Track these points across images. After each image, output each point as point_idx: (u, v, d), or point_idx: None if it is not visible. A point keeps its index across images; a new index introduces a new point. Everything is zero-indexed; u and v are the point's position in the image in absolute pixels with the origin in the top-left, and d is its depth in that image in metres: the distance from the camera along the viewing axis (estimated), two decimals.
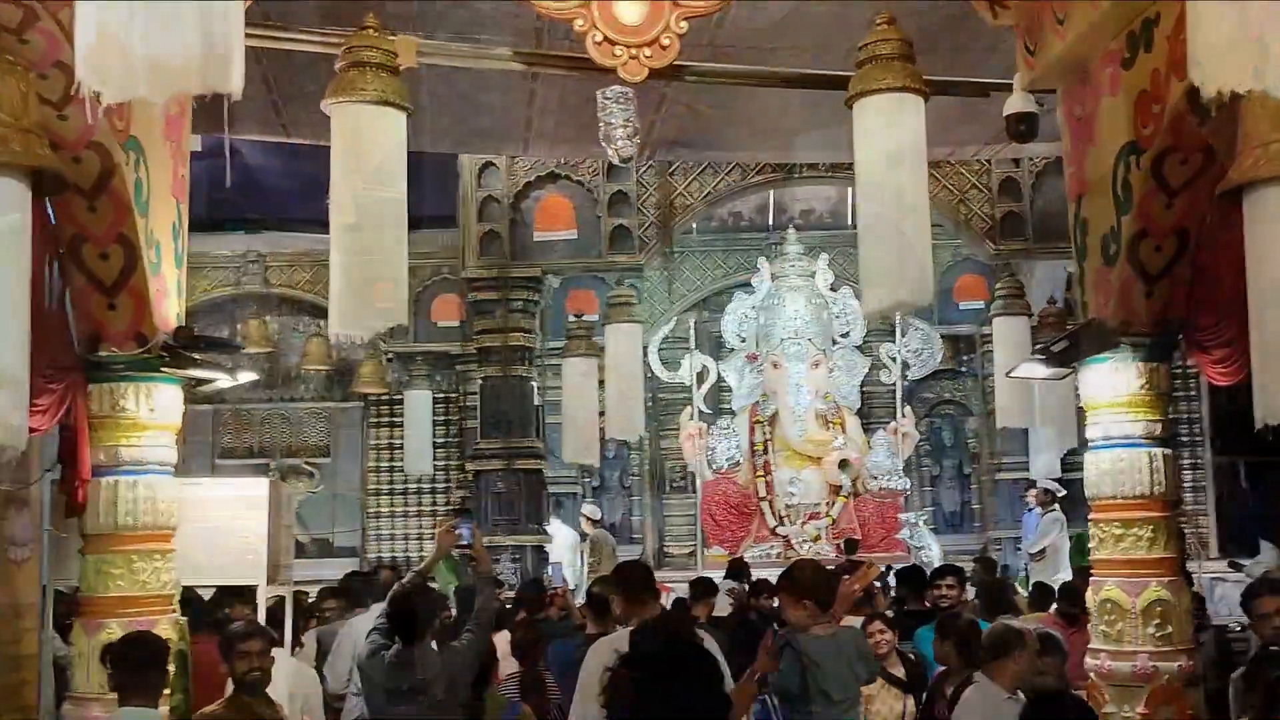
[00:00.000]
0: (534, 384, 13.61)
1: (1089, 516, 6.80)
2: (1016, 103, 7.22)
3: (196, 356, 5.96)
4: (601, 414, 13.74)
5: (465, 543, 5.89)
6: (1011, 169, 13.23)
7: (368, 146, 6.24)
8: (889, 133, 6.76)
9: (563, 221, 13.33)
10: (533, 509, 13.09)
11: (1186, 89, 5.16)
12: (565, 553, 14.17)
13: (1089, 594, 6.73)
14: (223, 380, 6.26)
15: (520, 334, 13.19)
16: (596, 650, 5.64)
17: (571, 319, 13.69)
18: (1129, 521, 6.53)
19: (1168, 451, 6.59)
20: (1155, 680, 6.23)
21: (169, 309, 6.10)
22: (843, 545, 14.10)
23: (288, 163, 16.70)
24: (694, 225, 15.76)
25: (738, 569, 11.49)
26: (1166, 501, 6.56)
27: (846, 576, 6.49)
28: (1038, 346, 7.53)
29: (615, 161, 8.81)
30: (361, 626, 7.81)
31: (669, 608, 8.28)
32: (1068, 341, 6.66)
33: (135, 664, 4.83)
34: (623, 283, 13.70)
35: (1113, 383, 6.59)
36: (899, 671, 7.19)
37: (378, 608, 8.24)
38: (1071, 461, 16.09)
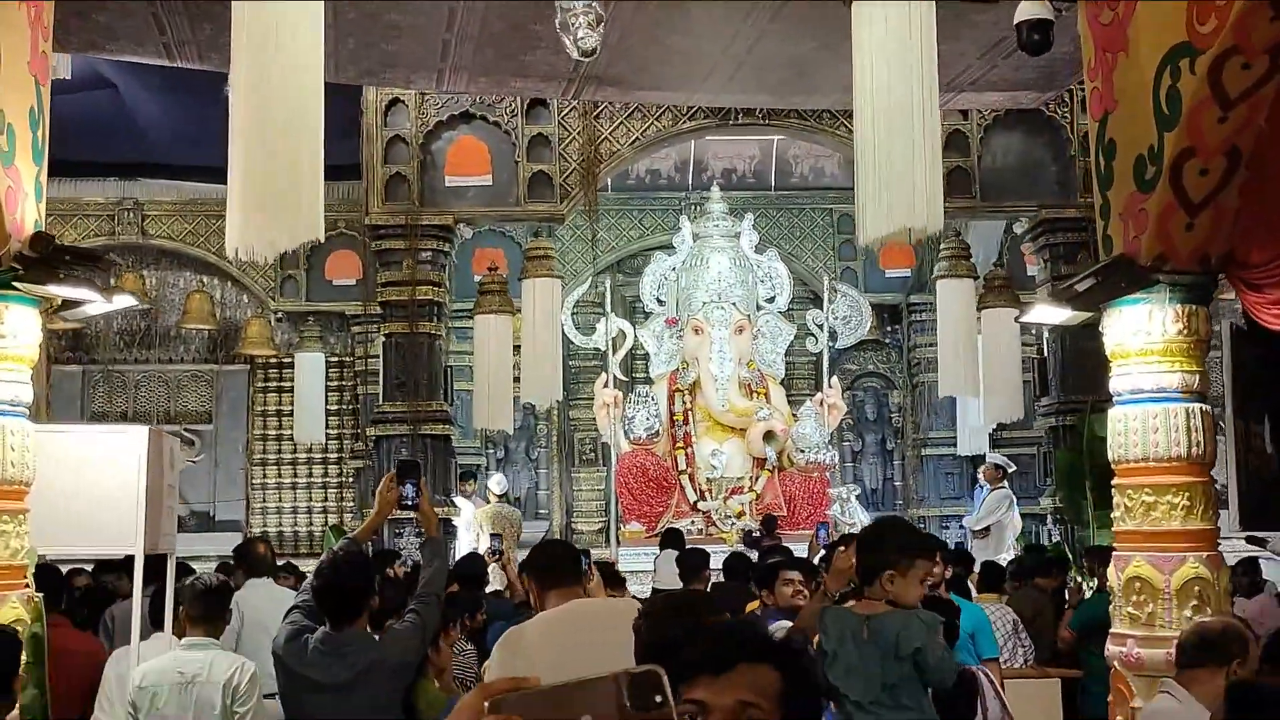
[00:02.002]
0: (443, 343, 12.43)
1: (1113, 482, 5.92)
2: (1030, 9, 6.33)
3: (59, 271, 4.76)
4: (515, 379, 12.75)
5: (410, 502, 4.80)
6: (959, 121, 12.38)
7: (277, 21, 5.11)
8: (894, 37, 5.86)
9: (477, 166, 12.17)
10: (440, 479, 11.94)
11: None
12: (461, 531, 13.07)
13: (1111, 571, 5.85)
14: (93, 303, 5.08)
15: (429, 287, 12.02)
16: (505, 642, 4.44)
17: (487, 271, 12.61)
18: (1161, 487, 5.67)
19: (1205, 407, 5.74)
20: None
21: (24, 212, 4.90)
22: (762, 522, 13.22)
23: (170, 102, 15.32)
24: (609, 182, 14.73)
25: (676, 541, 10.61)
26: (1204, 465, 5.70)
27: (842, 549, 5.55)
28: (1060, 287, 6.60)
29: (574, 55, 7.72)
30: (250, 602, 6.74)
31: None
32: (1093, 279, 5.75)
33: None
34: (540, 234, 12.64)
35: (1145, 327, 5.71)
36: None
37: (258, 583, 7.15)
38: (1003, 437, 15.51)
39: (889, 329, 16.82)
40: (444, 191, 12.18)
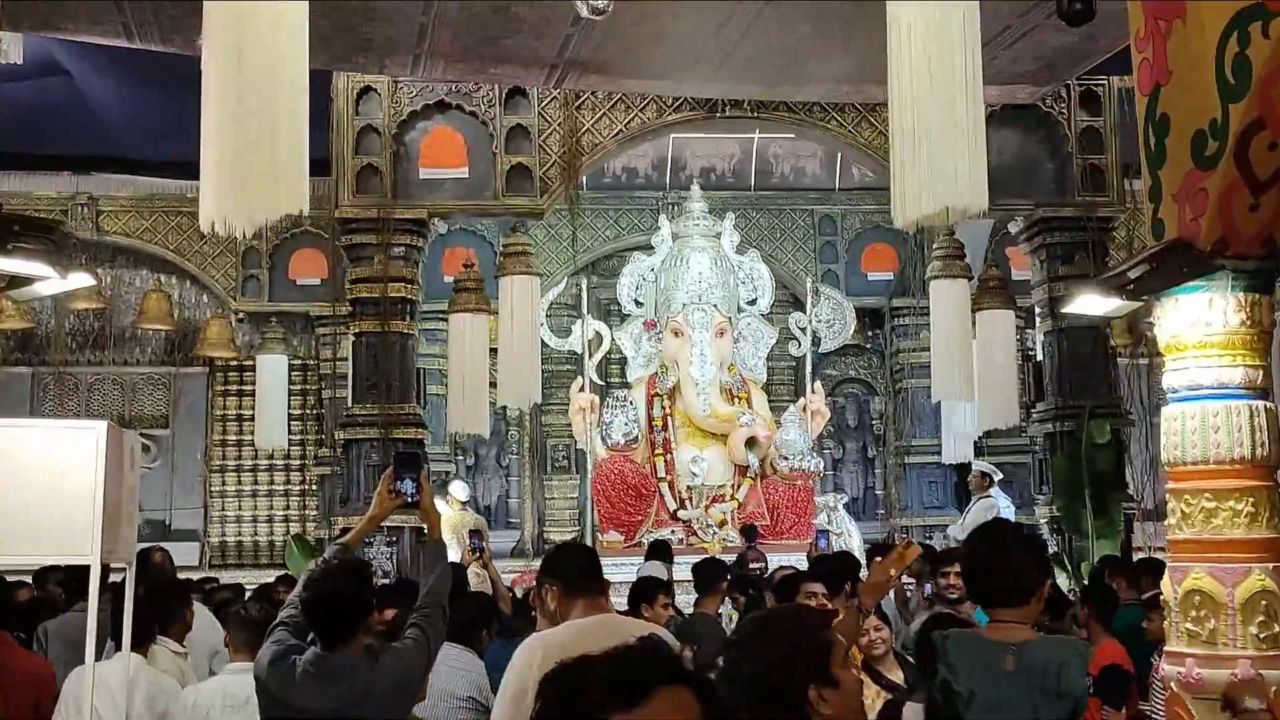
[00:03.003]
0: (415, 343, 11.84)
1: (1167, 487, 5.43)
2: None
3: (7, 242, 4.18)
4: (492, 385, 12.21)
5: (411, 498, 4.25)
6: None
7: None
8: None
9: (453, 157, 11.60)
10: None
11: None
12: None
13: (1166, 584, 5.36)
14: (45, 280, 4.49)
15: (402, 284, 11.42)
16: (529, 647, 4.01)
17: (463, 268, 12.05)
18: (1222, 492, 5.17)
19: (1270, 404, 5.26)
20: (1258, 691, 4.87)
21: None
22: (741, 532, 12.72)
23: (127, 91, 14.69)
24: (584, 180, 14.20)
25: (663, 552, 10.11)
26: (1269, 467, 5.22)
27: (879, 558, 5.04)
28: (1105, 275, 6.12)
29: (584, 14, 7.18)
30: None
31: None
32: (1147, 265, 5.27)
33: None
34: (518, 229, 12.09)
35: (1205, 318, 5.23)
36: (897, 677, 5.81)
37: None
38: (986, 445, 15.09)
39: (870, 333, 16.37)
40: (418, 184, 11.61)
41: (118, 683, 5.21)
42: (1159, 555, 9.18)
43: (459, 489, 13.63)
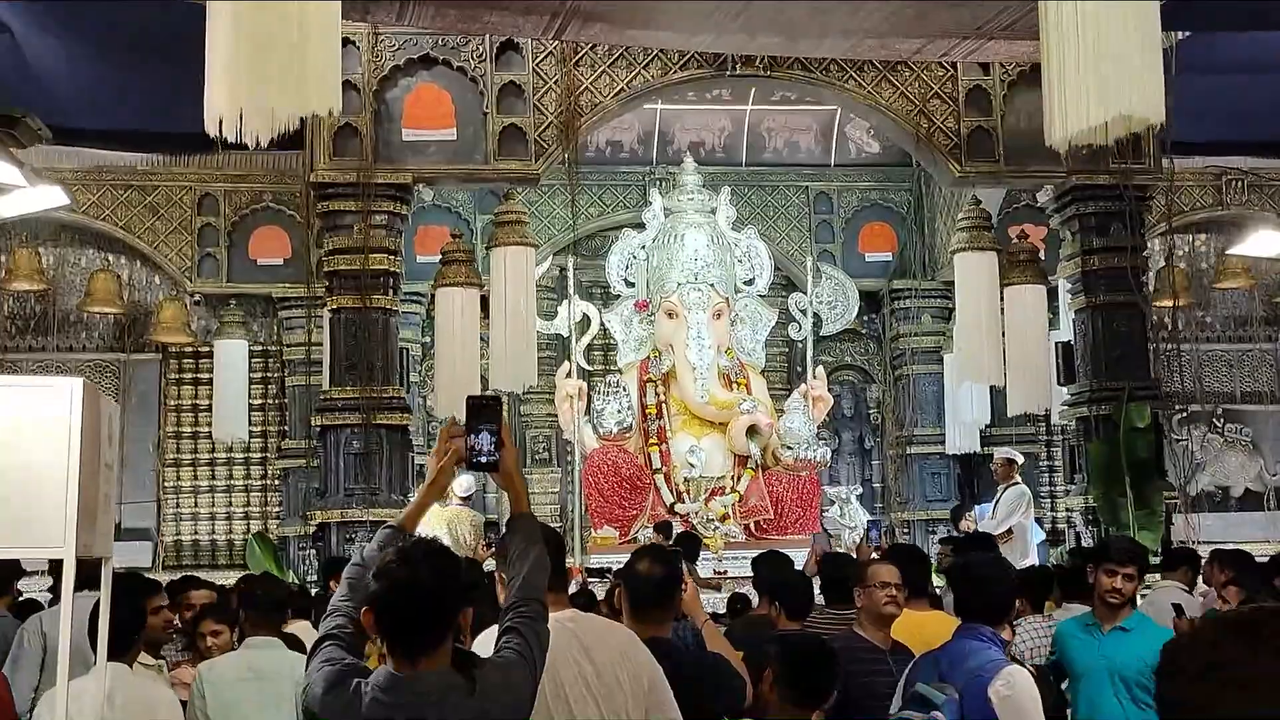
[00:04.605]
0: (398, 320, 10.83)
1: None
2: None
3: None
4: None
5: (485, 458, 3.18)
6: (981, 76, 11.07)
7: None
8: None
9: (439, 118, 10.58)
10: (398, 474, 10.32)
11: None
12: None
13: None
14: (10, 191, 3.44)
15: (384, 255, 10.40)
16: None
17: (450, 238, 11.06)
18: None
19: None
20: None
21: None
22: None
23: (75, 53, 13.49)
24: (565, 155, 13.21)
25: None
26: None
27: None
28: None
29: None
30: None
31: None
32: None
33: None
34: (512, 196, 11.10)
35: None
36: None
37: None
38: (994, 435, 14.30)
39: (867, 318, 15.50)
40: (401, 146, 10.60)
41: (94, 704, 4.20)
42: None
43: (461, 483, 12.67)
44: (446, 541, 12.17)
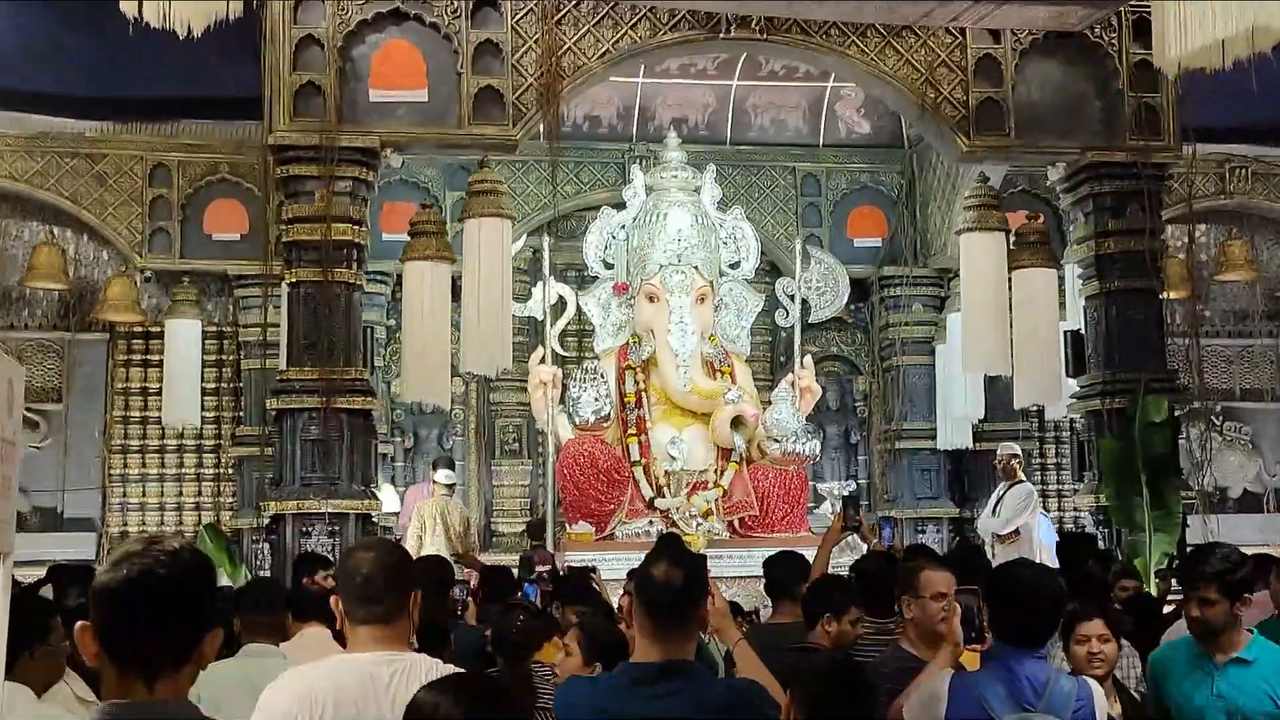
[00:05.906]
0: (362, 296, 10.03)
1: None
2: None
3: None
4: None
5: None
6: (991, 44, 10.36)
7: None
8: None
9: (409, 77, 9.79)
10: (360, 463, 9.54)
11: None
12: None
13: None
14: None
15: (348, 225, 9.61)
16: None
17: (420, 209, 10.27)
18: None
19: None
20: None
21: None
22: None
23: (16, 9, 12.65)
24: (539, 130, 12.43)
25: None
26: None
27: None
28: None
29: None
30: None
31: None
32: None
33: None
34: (487, 164, 10.31)
35: None
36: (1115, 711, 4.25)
37: None
38: (986, 430, 13.68)
39: (855, 306, 14.80)
40: (368, 107, 9.82)
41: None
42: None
43: (444, 476, 11.96)
44: (440, 532, 11.53)
